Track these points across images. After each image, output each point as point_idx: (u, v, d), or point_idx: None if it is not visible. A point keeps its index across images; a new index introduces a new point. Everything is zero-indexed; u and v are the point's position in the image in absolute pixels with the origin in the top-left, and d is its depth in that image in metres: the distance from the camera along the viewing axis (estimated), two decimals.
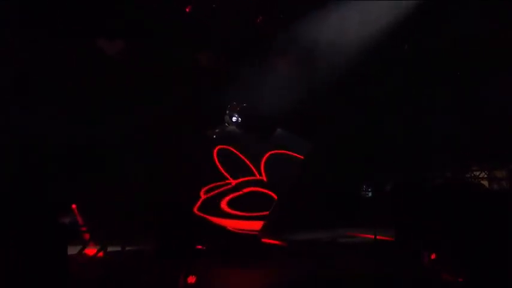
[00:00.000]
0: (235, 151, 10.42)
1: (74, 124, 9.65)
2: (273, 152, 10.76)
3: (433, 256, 8.51)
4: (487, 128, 11.63)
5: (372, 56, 11.29)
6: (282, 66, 11.52)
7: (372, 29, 10.84)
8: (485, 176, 12.87)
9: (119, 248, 9.67)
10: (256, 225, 10.00)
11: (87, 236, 9.76)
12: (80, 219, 10.16)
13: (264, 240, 10.44)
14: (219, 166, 10.14)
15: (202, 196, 9.96)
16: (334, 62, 10.98)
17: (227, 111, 10.84)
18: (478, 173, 12.81)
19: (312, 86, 11.37)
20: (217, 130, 10.50)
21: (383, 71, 11.84)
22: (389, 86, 11.96)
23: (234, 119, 10.75)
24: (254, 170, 10.43)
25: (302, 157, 10.94)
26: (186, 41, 10.84)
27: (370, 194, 14.03)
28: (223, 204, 9.99)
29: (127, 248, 9.78)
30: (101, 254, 9.41)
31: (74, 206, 10.23)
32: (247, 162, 10.41)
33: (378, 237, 10.37)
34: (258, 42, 11.35)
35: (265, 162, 10.64)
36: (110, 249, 9.58)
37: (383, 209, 11.67)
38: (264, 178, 10.47)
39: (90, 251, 9.50)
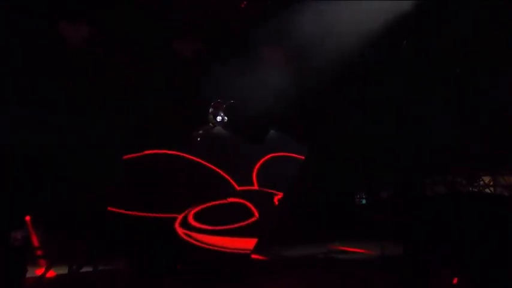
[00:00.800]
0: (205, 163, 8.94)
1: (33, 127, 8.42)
2: (273, 154, 9.34)
3: (455, 281, 7.44)
4: (493, 131, 10.85)
5: (370, 55, 10.55)
6: (272, 59, 10.40)
7: (370, 27, 10.15)
8: (491, 182, 12.02)
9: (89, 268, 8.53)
10: (249, 243, 8.59)
11: (43, 261, 8.31)
12: (33, 234, 8.70)
13: (254, 256, 9.10)
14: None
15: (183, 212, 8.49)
16: (329, 57, 10.06)
17: (210, 110, 9.37)
18: (487, 180, 11.95)
19: (305, 83, 10.39)
20: (200, 132, 9.02)
21: (381, 70, 11.08)
22: (387, 86, 11.12)
23: (218, 118, 9.30)
24: (231, 180, 8.99)
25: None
26: (165, 30, 9.72)
27: (364, 201, 12.91)
28: (209, 221, 8.54)
29: (99, 268, 8.60)
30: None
31: (27, 218, 8.73)
32: (222, 173, 8.96)
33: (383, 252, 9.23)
34: (243, 31, 10.17)
35: (262, 166, 9.23)
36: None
37: (380, 218, 11.05)
38: (256, 185, 9.04)
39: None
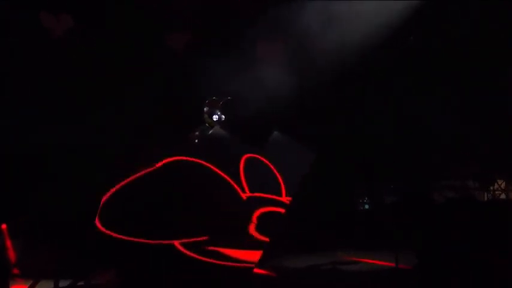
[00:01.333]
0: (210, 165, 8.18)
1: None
2: (249, 155, 8.55)
3: None
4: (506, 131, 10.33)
5: (373, 54, 10.02)
6: (272, 56, 9.82)
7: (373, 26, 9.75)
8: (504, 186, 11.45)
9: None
10: (254, 255, 7.83)
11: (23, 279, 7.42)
12: (9, 245, 7.91)
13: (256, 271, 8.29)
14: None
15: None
16: (330, 54, 9.57)
17: (205, 109, 8.60)
18: (500, 183, 11.40)
19: (307, 82, 9.91)
20: (196, 133, 8.25)
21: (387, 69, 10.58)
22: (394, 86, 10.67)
23: (215, 117, 8.52)
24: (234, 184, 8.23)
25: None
26: (154, 21, 9.23)
27: (367, 206, 12.22)
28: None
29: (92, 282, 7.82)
30: None
31: (4, 226, 8.03)
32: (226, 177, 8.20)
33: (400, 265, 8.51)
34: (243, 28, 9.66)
35: (244, 168, 8.44)
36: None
37: (385, 225, 10.41)
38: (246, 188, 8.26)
39: None
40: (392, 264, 8.56)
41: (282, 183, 8.71)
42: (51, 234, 8.11)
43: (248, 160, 8.51)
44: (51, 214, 8.13)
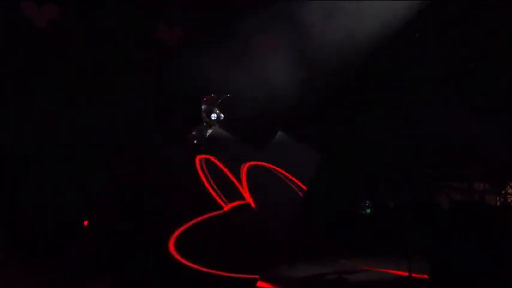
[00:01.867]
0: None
1: None
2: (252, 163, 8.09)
3: None
4: None
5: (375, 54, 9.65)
6: (272, 52, 9.35)
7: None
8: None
9: None
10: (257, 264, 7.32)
11: None
12: None
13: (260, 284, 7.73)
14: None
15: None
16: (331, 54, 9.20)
17: (203, 107, 8.04)
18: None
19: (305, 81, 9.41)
20: (194, 133, 7.69)
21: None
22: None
23: (213, 116, 7.95)
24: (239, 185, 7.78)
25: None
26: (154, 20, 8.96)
27: (369, 211, 11.71)
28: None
29: None
30: None
31: None
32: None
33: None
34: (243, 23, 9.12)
35: (247, 176, 7.95)
36: None
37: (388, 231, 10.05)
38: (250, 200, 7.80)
39: None
40: (405, 273, 8.15)
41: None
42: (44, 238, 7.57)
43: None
44: (46, 216, 7.64)
